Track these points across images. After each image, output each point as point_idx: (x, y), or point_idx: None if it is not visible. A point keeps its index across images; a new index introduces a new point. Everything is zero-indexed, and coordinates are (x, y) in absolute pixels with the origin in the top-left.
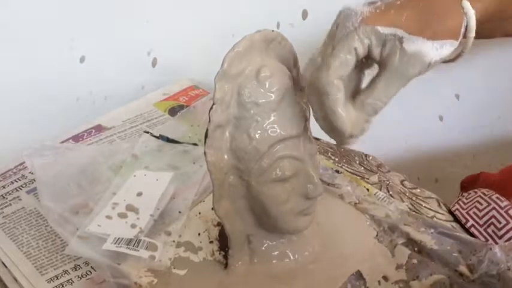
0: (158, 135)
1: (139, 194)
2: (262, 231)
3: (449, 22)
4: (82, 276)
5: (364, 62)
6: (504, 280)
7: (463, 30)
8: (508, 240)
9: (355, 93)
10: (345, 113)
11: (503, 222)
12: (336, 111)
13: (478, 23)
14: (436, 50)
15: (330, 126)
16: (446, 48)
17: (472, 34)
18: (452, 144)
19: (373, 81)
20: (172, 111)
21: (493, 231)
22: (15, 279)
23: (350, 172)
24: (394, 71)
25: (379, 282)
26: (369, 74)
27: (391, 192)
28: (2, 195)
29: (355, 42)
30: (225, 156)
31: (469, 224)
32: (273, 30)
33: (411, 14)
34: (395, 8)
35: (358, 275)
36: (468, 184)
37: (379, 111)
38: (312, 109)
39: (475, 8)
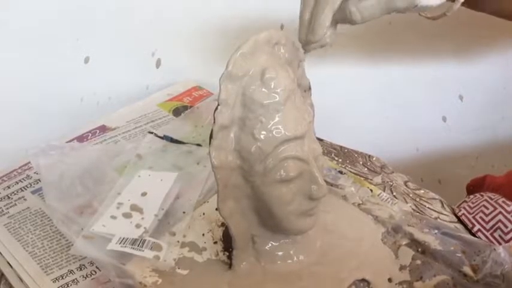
0: (162, 135)
1: (144, 194)
2: (267, 232)
3: None
4: (87, 276)
5: None
6: (508, 280)
7: None
8: None
9: None
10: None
11: (510, 226)
12: (325, 11)
13: None
14: None
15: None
16: None
17: None
18: (455, 145)
19: None
20: (177, 112)
21: (499, 235)
22: (21, 279)
23: (353, 173)
24: None
25: (383, 283)
26: None
27: (394, 193)
28: (7, 195)
29: None
30: (230, 157)
31: (475, 229)
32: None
33: None
34: None
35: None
36: (474, 188)
37: (355, 23)
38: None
39: None
